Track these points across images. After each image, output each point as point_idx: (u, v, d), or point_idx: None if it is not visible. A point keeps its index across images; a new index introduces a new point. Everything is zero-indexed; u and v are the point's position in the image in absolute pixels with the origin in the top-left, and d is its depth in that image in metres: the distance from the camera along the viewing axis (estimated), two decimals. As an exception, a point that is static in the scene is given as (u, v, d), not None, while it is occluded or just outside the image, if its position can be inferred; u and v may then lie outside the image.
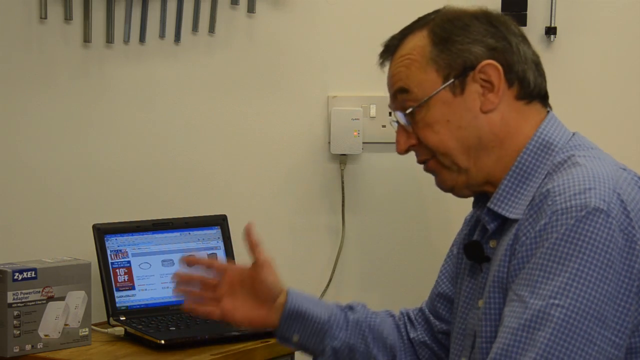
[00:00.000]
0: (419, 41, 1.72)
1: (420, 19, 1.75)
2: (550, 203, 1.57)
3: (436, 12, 1.75)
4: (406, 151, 1.75)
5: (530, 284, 1.54)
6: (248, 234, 1.85)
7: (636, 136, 2.55)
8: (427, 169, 1.75)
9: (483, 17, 1.71)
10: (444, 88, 1.69)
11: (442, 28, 1.71)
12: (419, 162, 1.75)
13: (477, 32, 1.69)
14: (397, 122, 1.74)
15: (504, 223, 1.68)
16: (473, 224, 1.82)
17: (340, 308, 1.93)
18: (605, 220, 1.53)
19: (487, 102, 1.68)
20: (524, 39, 1.72)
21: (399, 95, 1.73)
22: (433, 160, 1.73)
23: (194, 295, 1.86)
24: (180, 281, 1.87)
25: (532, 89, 1.70)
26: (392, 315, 1.98)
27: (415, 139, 1.73)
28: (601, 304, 1.51)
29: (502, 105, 1.69)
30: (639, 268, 1.53)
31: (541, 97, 1.72)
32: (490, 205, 1.69)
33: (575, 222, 1.53)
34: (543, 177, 1.66)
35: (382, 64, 1.77)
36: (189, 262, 1.87)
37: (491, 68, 1.67)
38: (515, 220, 1.64)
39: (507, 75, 1.68)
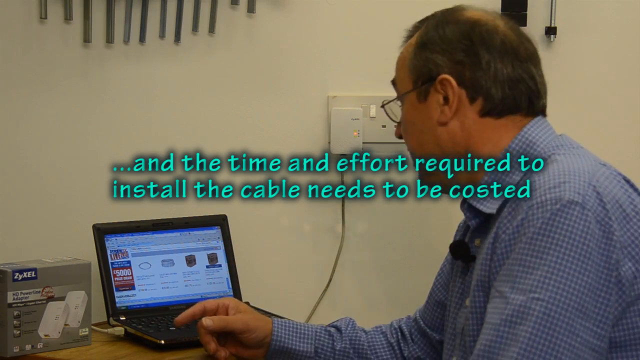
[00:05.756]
0: (414, 39, 1.76)
1: (433, 14, 1.78)
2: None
3: (442, 12, 1.77)
4: (400, 137, 1.82)
5: (510, 280, 1.55)
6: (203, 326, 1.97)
7: (636, 136, 2.55)
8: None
9: (468, 29, 1.71)
10: (411, 92, 1.73)
11: (426, 32, 1.74)
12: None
13: (450, 43, 1.71)
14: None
15: (487, 221, 1.69)
16: (465, 224, 1.83)
17: (327, 333, 1.98)
18: (581, 212, 1.54)
19: (442, 115, 1.71)
20: (508, 56, 1.70)
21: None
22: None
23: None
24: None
25: (496, 106, 1.70)
26: (384, 332, 2.00)
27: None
28: (581, 295, 1.51)
29: (464, 119, 1.70)
30: (616, 258, 1.54)
31: (519, 110, 1.71)
32: (469, 199, 1.71)
33: (550, 215, 1.54)
34: (523, 174, 1.67)
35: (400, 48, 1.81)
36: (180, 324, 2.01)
37: (447, 82, 1.70)
38: (496, 219, 1.65)
39: (468, 91, 1.70)
